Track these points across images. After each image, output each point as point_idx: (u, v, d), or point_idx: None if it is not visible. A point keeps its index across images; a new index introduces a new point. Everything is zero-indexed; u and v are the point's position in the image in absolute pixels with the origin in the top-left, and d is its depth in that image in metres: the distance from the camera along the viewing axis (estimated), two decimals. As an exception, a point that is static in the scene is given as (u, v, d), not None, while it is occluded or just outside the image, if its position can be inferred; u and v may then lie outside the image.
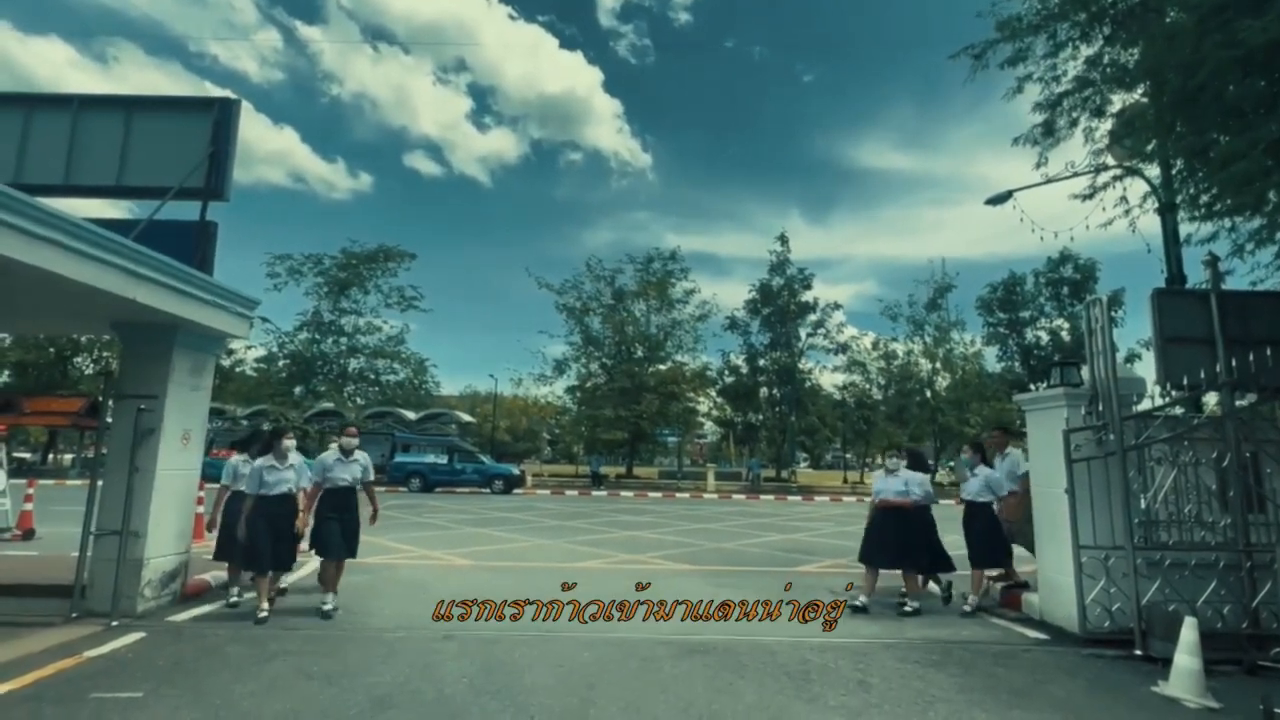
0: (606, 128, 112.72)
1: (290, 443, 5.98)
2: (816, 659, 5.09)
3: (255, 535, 5.70)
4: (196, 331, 6.37)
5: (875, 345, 38.23)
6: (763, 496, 27.75)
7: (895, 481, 7.07)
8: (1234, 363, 5.60)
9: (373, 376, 37.64)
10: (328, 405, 32.10)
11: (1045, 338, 33.94)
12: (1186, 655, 4.51)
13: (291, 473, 5.91)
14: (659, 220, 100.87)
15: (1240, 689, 4.55)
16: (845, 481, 39.81)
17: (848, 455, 45.85)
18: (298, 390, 35.33)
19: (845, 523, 16.86)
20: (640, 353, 36.59)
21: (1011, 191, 10.94)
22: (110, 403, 6.33)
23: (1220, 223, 7.22)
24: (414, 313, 37.43)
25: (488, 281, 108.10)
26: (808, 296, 36.29)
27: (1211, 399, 6.85)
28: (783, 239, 36.64)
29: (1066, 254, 32.29)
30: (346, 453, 6.35)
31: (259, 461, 5.89)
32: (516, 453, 52.74)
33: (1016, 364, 34.83)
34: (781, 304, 36.16)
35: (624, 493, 27.17)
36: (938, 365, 36.05)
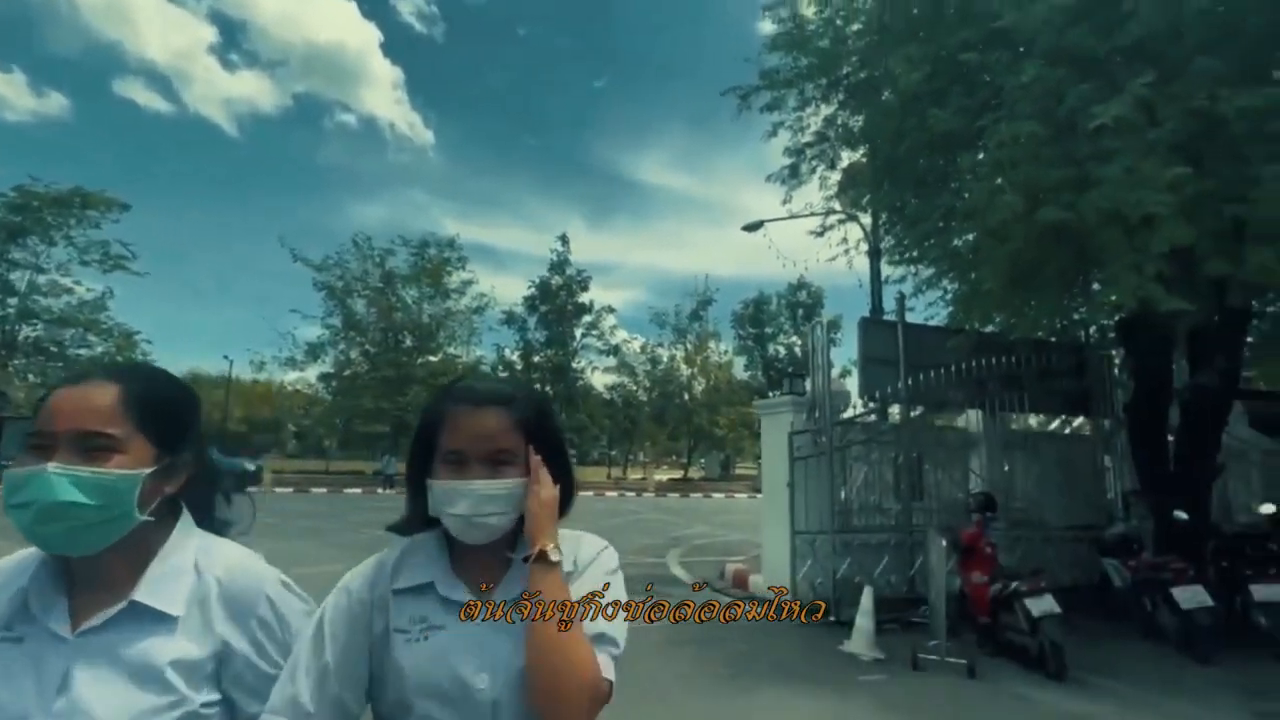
0: (384, 95, 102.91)
1: None
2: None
3: None
4: None
5: (643, 349, 40.81)
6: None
7: None
8: (910, 381, 7.04)
9: (56, 349, 30.17)
10: (-18, 382, 25.11)
11: (783, 351, 39.30)
12: (863, 618, 5.57)
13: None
14: (438, 204, 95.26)
15: (900, 642, 5.70)
16: (609, 477, 41.80)
17: (613, 453, 48.21)
18: (-66, 361, 27.10)
19: (604, 518, 17.62)
20: (409, 342, 34.49)
21: (763, 221, 12.43)
22: None
23: (909, 268, 9.01)
24: (123, 275, 30.78)
25: (228, 247, 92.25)
26: (585, 298, 37.35)
27: (896, 409, 8.54)
28: (564, 239, 37.25)
29: (802, 281, 37.68)
30: None
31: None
32: (259, 446, 46.36)
33: (760, 373, 39.69)
34: (559, 303, 36.74)
35: (381, 490, 25.41)
36: (695, 371, 39.69)
